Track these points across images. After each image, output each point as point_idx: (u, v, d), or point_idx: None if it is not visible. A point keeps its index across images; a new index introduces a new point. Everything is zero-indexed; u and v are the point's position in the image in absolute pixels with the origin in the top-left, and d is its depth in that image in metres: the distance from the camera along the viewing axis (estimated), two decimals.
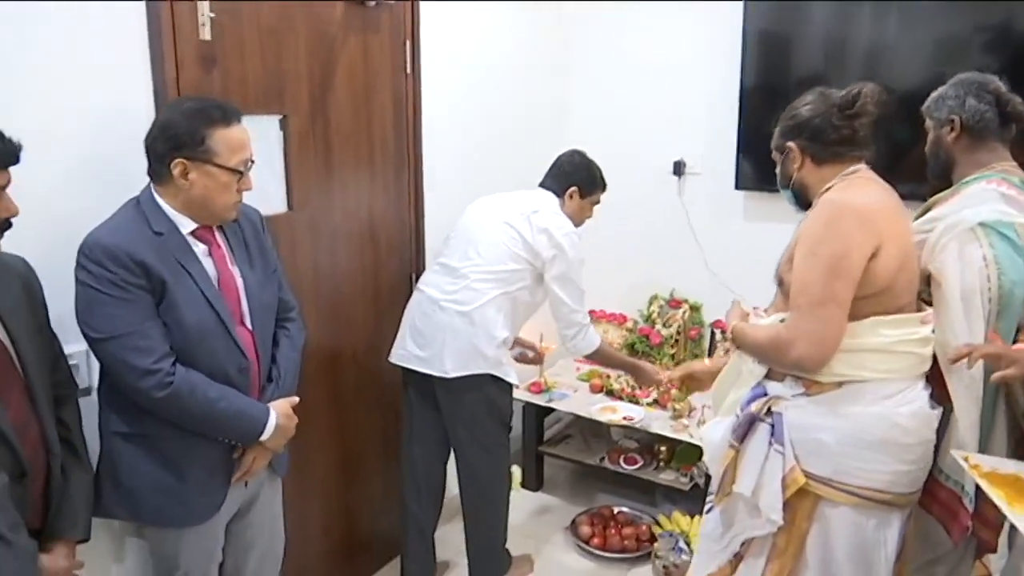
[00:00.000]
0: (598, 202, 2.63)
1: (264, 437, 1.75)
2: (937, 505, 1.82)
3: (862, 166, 1.73)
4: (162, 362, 1.61)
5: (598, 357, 2.62)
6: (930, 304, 1.76)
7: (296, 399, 1.85)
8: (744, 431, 1.71)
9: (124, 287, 1.58)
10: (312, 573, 2.57)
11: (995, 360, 1.58)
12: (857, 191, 1.66)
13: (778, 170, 1.83)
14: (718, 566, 1.82)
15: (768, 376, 1.75)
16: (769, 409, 1.70)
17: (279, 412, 1.79)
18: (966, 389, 1.71)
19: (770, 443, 1.67)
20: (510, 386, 2.51)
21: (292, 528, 2.11)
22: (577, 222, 2.54)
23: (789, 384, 1.69)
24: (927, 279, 1.77)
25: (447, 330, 2.37)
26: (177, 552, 1.77)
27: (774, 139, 1.82)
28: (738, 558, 1.79)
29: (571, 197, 2.55)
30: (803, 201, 1.79)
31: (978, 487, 1.67)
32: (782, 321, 1.69)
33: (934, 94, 1.94)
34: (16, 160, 1.38)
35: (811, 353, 1.60)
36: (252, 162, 1.72)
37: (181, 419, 1.66)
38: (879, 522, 1.67)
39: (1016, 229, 1.71)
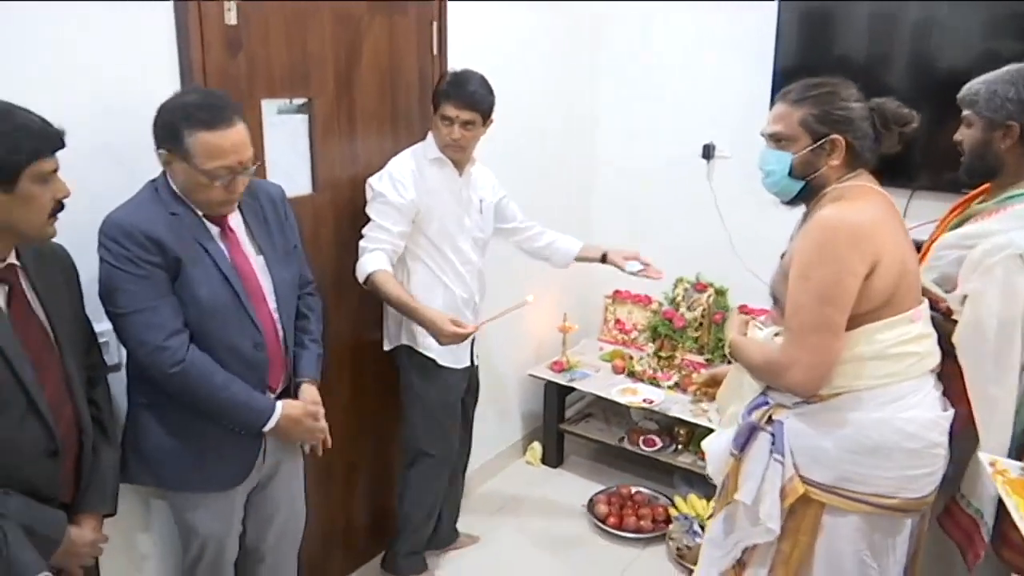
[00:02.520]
0: (446, 117, 2.30)
1: (267, 429, 1.81)
2: (957, 529, 1.78)
3: (863, 171, 1.67)
4: (173, 339, 1.67)
5: (373, 289, 2.30)
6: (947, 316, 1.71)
7: (318, 408, 1.92)
8: (744, 440, 1.72)
9: (139, 264, 1.64)
10: (336, 549, 2.67)
11: None
12: (854, 203, 1.60)
13: (796, 156, 1.64)
14: (720, 572, 1.82)
15: (769, 385, 1.73)
16: (770, 418, 1.70)
17: (286, 408, 1.83)
18: (997, 423, 1.65)
19: (770, 452, 1.67)
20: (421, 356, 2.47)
21: (313, 506, 2.18)
22: (440, 144, 2.36)
23: (790, 393, 1.67)
24: (959, 298, 1.69)
25: None
26: (196, 520, 1.85)
27: (803, 121, 1.63)
28: (741, 565, 1.80)
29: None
30: (806, 198, 1.69)
31: (999, 514, 1.64)
32: (777, 335, 1.68)
33: (983, 87, 1.75)
34: (62, 144, 1.41)
35: (804, 380, 1.58)
36: (245, 167, 1.69)
37: (186, 398, 1.73)
38: (887, 528, 1.65)
39: None
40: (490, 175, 2.61)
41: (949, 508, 1.80)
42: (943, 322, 1.72)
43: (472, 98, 2.28)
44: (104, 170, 1.79)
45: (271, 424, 1.80)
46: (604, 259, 2.72)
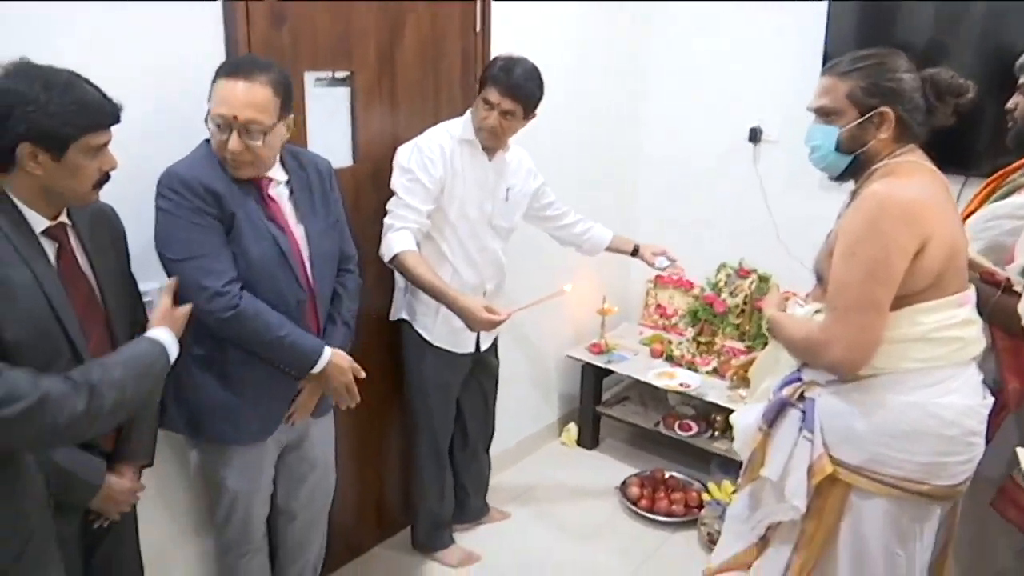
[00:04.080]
0: (488, 102, 2.26)
1: (316, 370, 1.86)
2: (1014, 508, 1.73)
3: (914, 146, 1.62)
4: (231, 285, 1.74)
5: (400, 270, 2.28)
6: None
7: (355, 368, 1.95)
8: (774, 415, 1.69)
9: (199, 213, 1.72)
10: (368, 519, 2.73)
11: None
12: (905, 179, 1.55)
13: (843, 130, 1.59)
14: (743, 548, 1.81)
15: (807, 363, 1.70)
16: (802, 395, 1.67)
17: (335, 355, 1.89)
18: None
19: (800, 429, 1.64)
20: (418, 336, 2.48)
21: (346, 476, 2.23)
22: (476, 125, 2.33)
23: (829, 372, 1.64)
24: (1019, 268, 1.65)
25: None
26: (225, 475, 1.92)
27: (850, 93, 1.58)
28: (764, 542, 1.78)
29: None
30: (854, 173, 1.65)
31: None
32: (817, 312, 1.64)
33: None
34: (117, 120, 1.46)
35: (845, 359, 1.55)
36: (243, 125, 1.69)
37: (242, 340, 1.79)
38: (915, 514, 1.62)
39: None
40: (527, 161, 2.55)
41: (1005, 489, 1.74)
42: (1002, 296, 1.66)
43: (517, 88, 2.23)
44: (153, 139, 1.85)
45: (321, 365, 1.86)
46: (635, 252, 2.74)
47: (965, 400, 1.58)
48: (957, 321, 1.56)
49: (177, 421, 1.89)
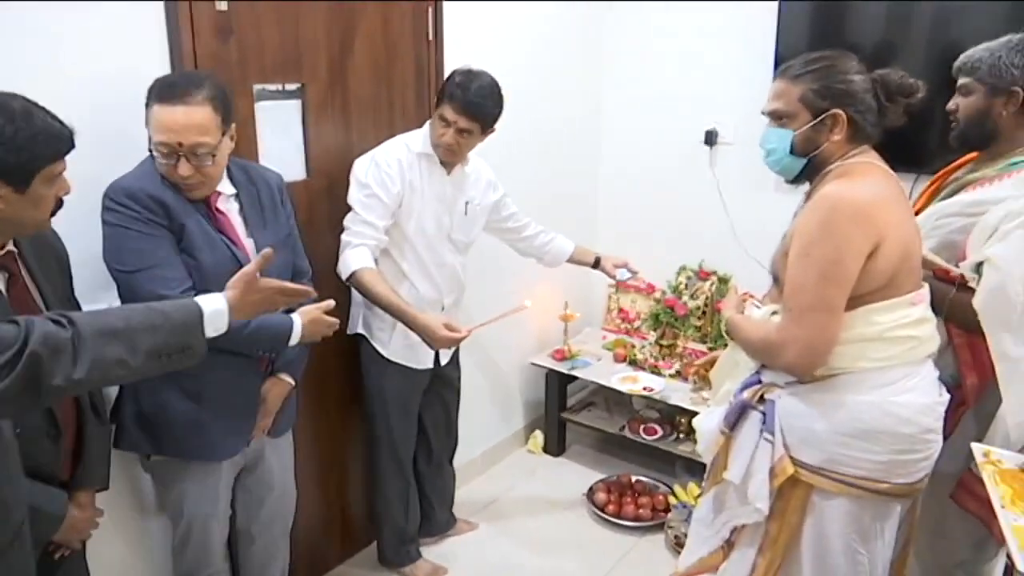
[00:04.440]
0: (444, 119, 2.22)
1: (293, 342, 1.80)
2: (974, 500, 1.75)
3: (868, 147, 1.63)
4: (187, 293, 1.69)
5: (358, 288, 2.24)
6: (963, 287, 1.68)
7: (331, 302, 1.82)
8: (735, 418, 1.69)
9: (149, 223, 1.68)
10: (333, 537, 2.69)
11: None
12: (858, 180, 1.56)
13: (797, 134, 1.61)
14: (709, 551, 1.81)
15: (765, 364, 1.71)
16: (762, 397, 1.67)
17: (302, 315, 1.81)
18: (1021, 385, 1.62)
19: (761, 431, 1.65)
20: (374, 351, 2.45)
21: (308, 494, 2.20)
22: (433, 141, 2.28)
23: (786, 373, 1.65)
24: (972, 265, 1.67)
25: None
26: (181, 498, 1.87)
27: (802, 97, 1.59)
28: (730, 544, 1.78)
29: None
30: (808, 175, 1.67)
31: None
32: (773, 314, 1.65)
33: (986, 55, 1.75)
34: (74, 145, 1.41)
35: (801, 359, 1.55)
36: (189, 150, 1.66)
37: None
38: (876, 513, 1.63)
39: None
40: (487, 172, 2.52)
41: (963, 481, 1.77)
42: (958, 292, 1.69)
43: (474, 106, 2.18)
44: (92, 155, 1.77)
45: (296, 336, 1.80)
46: (596, 264, 2.74)
47: (922, 398, 1.60)
48: (912, 320, 1.57)
49: (137, 439, 1.83)
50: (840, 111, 1.58)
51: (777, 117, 1.65)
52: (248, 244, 1.84)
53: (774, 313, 1.67)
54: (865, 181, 1.56)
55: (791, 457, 1.62)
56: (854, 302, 1.54)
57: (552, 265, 2.78)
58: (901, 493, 1.62)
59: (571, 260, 2.76)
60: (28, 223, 1.41)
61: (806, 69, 1.62)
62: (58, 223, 1.62)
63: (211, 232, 1.76)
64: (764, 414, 1.65)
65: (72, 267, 1.66)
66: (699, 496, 1.88)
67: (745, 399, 1.69)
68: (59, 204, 1.45)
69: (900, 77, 1.61)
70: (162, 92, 1.65)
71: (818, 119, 1.60)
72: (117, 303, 1.76)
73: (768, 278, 1.78)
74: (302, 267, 2.01)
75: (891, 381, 1.57)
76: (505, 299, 2.36)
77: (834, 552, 1.64)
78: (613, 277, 2.72)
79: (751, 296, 1.89)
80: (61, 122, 1.38)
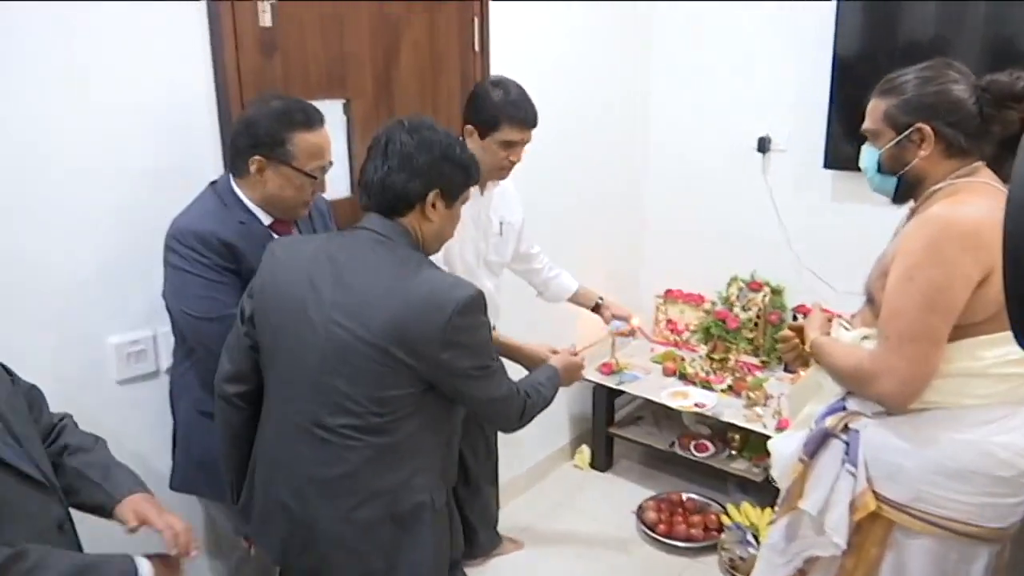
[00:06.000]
0: (509, 142, 2.10)
1: None
2: None
3: (982, 165, 1.50)
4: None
5: None
6: None
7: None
8: (816, 446, 1.60)
9: (217, 270, 1.66)
10: None
11: None
12: (970, 202, 1.43)
13: (883, 151, 1.53)
14: None
15: (853, 392, 1.61)
16: (846, 426, 1.58)
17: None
18: None
19: (843, 462, 1.55)
20: None
21: None
22: (488, 166, 2.09)
23: (878, 404, 1.54)
24: None
25: None
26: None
27: (886, 113, 1.52)
28: (801, 573, 1.69)
29: (470, 135, 2.14)
30: (906, 195, 1.56)
31: None
32: (865, 339, 1.54)
33: None
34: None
35: (896, 392, 1.45)
36: (331, 164, 1.75)
37: None
38: (962, 555, 1.52)
39: None
40: (513, 188, 2.39)
41: None
42: None
43: (533, 117, 2.11)
44: (139, 178, 1.78)
45: None
46: (596, 308, 2.61)
47: (1022, 440, 1.47)
48: (1019, 357, 1.44)
49: (198, 484, 1.82)
50: (924, 125, 1.48)
51: (868, 135, 1.58)
52: None
53: (865, 337, 1.56)
54: (977, 203, 1.43)
55: (874, 491, 1.53)
56: (958, 332, 1.43)
57: (552, 300, 2.66)
58: (991, 537, 1.51)
59: (572, 299, 2.64)
60: (447, 238, 1.58)
61: (895, 83, 1.53)
62: (115, 250, 1.60)
63: None
64: (848, 444, 1.56)
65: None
66: (771, 523, 1.79)
67: (828, 427, 1.59)
68: None
69: (1013, 79, 1.45)
70: (303, 121, 1.67)
71: (902, 135, 1.51)
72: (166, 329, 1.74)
73: (823, 289, 1.68)
74: None
75: (992, 420, 1.46)
76: (544, 324, 2.26)
77: None
78: (607, 324, 2.59)
79: (838, 315, 1.77)
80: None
